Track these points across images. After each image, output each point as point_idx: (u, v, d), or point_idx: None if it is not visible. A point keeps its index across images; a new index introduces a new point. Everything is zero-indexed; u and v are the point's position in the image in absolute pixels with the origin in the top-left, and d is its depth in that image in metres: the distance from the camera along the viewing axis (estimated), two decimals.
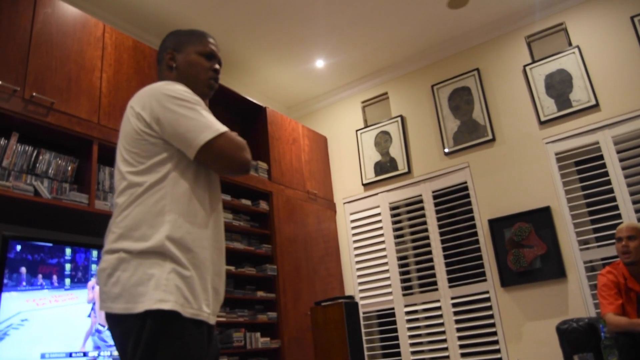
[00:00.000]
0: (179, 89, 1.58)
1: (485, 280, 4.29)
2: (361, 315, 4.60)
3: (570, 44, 4.36)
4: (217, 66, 1.79)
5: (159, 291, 1.41)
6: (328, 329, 4.02)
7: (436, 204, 4.65)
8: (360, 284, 4.87)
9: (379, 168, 5.00)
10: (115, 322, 1.46)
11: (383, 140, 5.03)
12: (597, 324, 2.91)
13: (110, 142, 3.13)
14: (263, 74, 4.95)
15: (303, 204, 4.67)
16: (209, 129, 1.52)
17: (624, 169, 3.91)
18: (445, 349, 4.32)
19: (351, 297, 4.30)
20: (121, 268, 1.45)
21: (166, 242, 1.46)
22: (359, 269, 4.91)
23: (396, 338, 4.57)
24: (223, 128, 1.54)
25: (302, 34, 4.44)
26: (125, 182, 1.56)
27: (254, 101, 4.55)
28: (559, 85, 4.28)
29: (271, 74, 4.97)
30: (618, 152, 3.96)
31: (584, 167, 4.12)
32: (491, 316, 4.21)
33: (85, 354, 2.81)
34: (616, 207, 3.88)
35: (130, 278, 1.43)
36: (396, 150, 4.94)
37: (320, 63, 4.90)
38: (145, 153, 1.56)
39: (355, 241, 4.99)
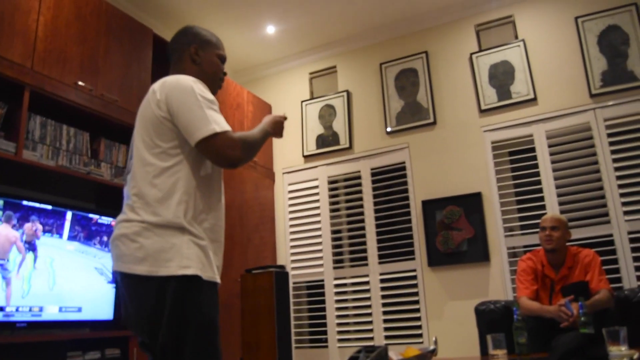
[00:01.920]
0: (202, 89, 1.79)
1: (413, 259, 4.41)
2: (291, 285, 4.65)
3: (516, 37, 4.47)
4: (224, 69, 2.05)
5: (182, 258, 1.64)
6: (257, 297, 4.04)
7: (374, 181, 4.71)
8: (293, 254, 4.90)
9: (321, 141, 5.01)
10: (135, 282, 1.66)
11: (327, 114, 5.04)
12: (512, 306, 3.06)
13: (44, 90, 2.98)
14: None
15: (242, 171, 4.63)
16: (209, 126, 1.71)
17: (553, 162, 4.09)
18: (370, 322, 4.44)
19: (282, 267, 4.33)
20: (144, 235, 1.67)
21: (182, 218, 1.68)
22: (292, 240, 4.94)
23: (323, 309, 4.65)
24: (222, 128, 1.72)
25: None
26: (142, 160, 1.76)
27: None
28: (501, 76, 4.40)
29: (220, 35, 4.83)
30: (549, 146, 4.13)
31: (517, 158, 4.27)
32: (416, 294, 4.35)
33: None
34: (542, 199, 4.06)
35: (153, 244, 1.65)
36: (339, 125, 4.95)
37: (271, 29, 4.81)
38: (164, 137, 1.75)
39: (291, 212, 5.01)
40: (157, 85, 1.82)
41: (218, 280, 1.76)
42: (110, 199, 3.53)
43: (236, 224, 4.42)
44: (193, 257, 1.66)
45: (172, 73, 1.94)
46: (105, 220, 3.43)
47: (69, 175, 3.13)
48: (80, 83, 3.21)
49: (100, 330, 3.23)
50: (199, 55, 1.96)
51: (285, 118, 2.06)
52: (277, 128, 2.02)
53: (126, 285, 1.70)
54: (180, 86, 1.77)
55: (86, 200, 3.60)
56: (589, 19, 4.21)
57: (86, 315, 3.17)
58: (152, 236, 1.66)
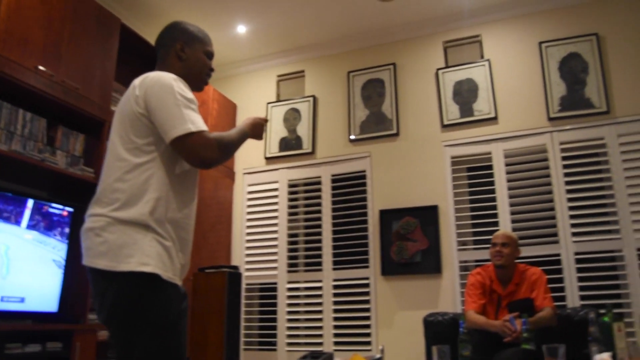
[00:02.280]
0: (183, 87, 1.78)
1: (367, 267, 4.45)
2: (244, 286, 4.62)
3: (482, 56, 4.57)
4: (212, 65, 2.04)
5: (143, 255, 1.64)
6: (208, 297, 4.01)
7: (334, 188, 4.74)
8: (248, 255, 4.88)
9: (284, 144, 5.01)
10: (98, 276, 1.67)
11: (292, 118, 5.04)
12: (459, 319, 3.12)
13: (2, 72, 2.89)
14: None
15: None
16: (185, 125, 1.70)
17: (508, 181, 4.19)
18: (320, 327, 4.45)
19: (236, 268, 4.31)
20: (108, 230, 1.66)
21: (148, 216, 1.68)
22: (248, 241, 4.91)
23: (274, 312, 4.64)
24: (197, 128, 1.72)
25: None
26: (116, 155, 1.76)
27: None
28: (465, 94, 4.49)
29: None
30: (506, 164, 4.23)
31: (474, 174, 4.36)
32: (367, 301, 4.38)
33: None
34: (496, 215, 4.15)
35: (116, 240, 1.65)
36: (303, 130, 4.96)
37: (242, 29, 4.80)
38: (139, 133, 1.75)
39: (249, 213, 4.98)
40: (137, 81, 1.82)
41: (178, 282, 1.74)
42: (64, 189, 3.45)
43: None
44: (154, 255, 1.66)
45: (158, 69, 1.93)
46: (63, 210, 3.34)
47: (21, 160, 3.04)
48: (41, 68, 3.13)
49: (44, 322, 3.14)
50: (185, 52, 1.96)
51: (266, 121, 2.05)
52: (256, 130, 2.01)
53: (90, 279, 1.71)
54: (160, 83, 1.77)
55: (39, 188, 3.50)
56: (552, 45, 4.34)
57: (29, 306, 3.08)
58: (117, 231, 1.66)
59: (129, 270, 1.62)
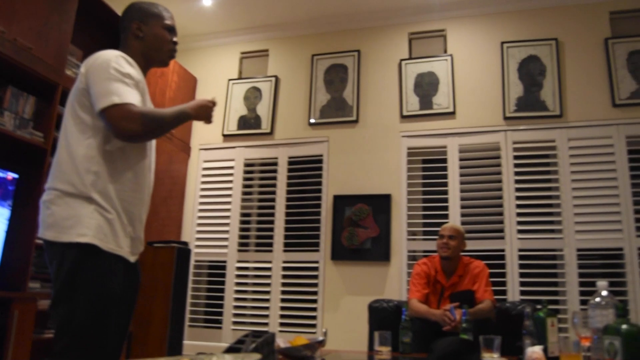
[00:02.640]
0: (123, 63, 1.82)
1: (318, 251, 4.48)
2: (192, 262, 4.59)
3: (445, 51, 4.63)
4: (175, 39, 2.08)
5: (82, 226, 1.69)
6: (155, 271, 3.96)
7: (290, 170, 4.74)
8: (199, 232, 4.84)
9: (243, 122, 4.96)
10: (47, 247, 1.75)
11: (253, 96, 4.99)
12: (402, 306, 3.18)
13: None
14: None
15: (157, 142, 4.49)
16: (109, 97, 1.73)
17: (461, 175, 4.28)
18: (267, 308, 4.47)
19: (185, 244, 4.27)
20: (56, 203, 1.74)
21: (90, 189, 1.74)
22: (200, 217, 4.87)
23: (222, 290, 4.62)
24: (121, 100, 1.73)
25: None
26: (65, 129, 1.82)
27: None
28: (426, 86, 4.54)
29: None
30: (460, 159, 4.31)
31: (429, 166, 4.43)
32: (315, 284, 4.42)
33: None
34: (446, 208, 4.24)
35: (61, 212, 1.72)
36: (263, 109, 4.93)
37: (207, 1, 4.69)
38: (84, 108, 1.81)
39: (202, 189, 4.93)
40: (86, 60, 1.89)
41: (122, 253, 1.80)
42: (11, 152, 3.32)
43: None
44: (93, 227, 1.71)
45: (120, 50, 1.97)
46: (7, 174, 3.22)
47: None
48: None
49: None
50: (142, 31, 2.00)
51: (214, 103, 2.02)
52: (202, 112, 1.99)
53: (43, 249, 1.79)
54: (100, 59, 1.82)
55: None
56: (513, 45, 4.43)
57: None
58: (62, 204, 1.73)
59: (69, 241, 1.69)
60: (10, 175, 3.24)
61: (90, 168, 1.76)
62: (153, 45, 2.01)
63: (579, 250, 3.94)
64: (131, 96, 1.77)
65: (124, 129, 1.74)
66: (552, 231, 4.06)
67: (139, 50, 2.00)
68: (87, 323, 1.67)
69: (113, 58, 1.81)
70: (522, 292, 3.94)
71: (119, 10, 4.31)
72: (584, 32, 4.33)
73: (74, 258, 1.69)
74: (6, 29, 3.07)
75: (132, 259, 1.90)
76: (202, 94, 5.18)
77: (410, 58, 4.67)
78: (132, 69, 1.85)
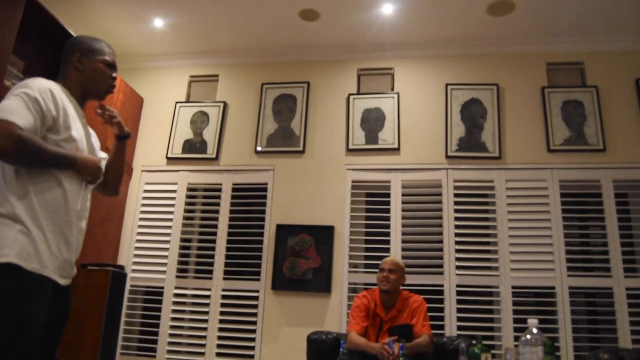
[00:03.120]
0: (32, 85, 1.86)
1: (258, 279, 4.43)
2: (128, 287, 4.43)
3: (393, 88, 4.76)
4: (115, 74, 2.16)
5: (4, 247, 1.70)
6: (88, 295, 3.80)
7: (233, 197, 4.69)
8: (136, 256, 4.68)
9: (188, 146, 4.89)
10: None
11: (200, 121, 4.95)
12: (341, 339, 3.17)
13: None
14: (95, 11, 4.53)
15: None
16: (3, 113, 1.75)
17: (403, 210, 4.36)
18: (204, 337, 4.36)
19: (121, 267, 4.13)
20: None
21: (15, 208, 1.76)
22: (138, 241, 4.72)
23: (158, 317, 4.47)
24: (7, 118, 1.74)
25: None
26: None
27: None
28: (373, 122, 4.64)
29: (104, 14, 4.58)
30: (403, 194, 4.40)
31: (372, 200, 4.50)
32: (255, 314, 4.35)
33: None
34: (388, 242, 4.29)
35: None
36: (210, 134, 4.89)
37: (159, 22, 4.65)
38: None
39: (143, 212, 4.80)
40: None
41: (47, 273, 1.79)
42: None
43: None
44: (16, 247, 1.72)
45: (59, 79, 2.06)
46: None
47: None
48: None
49: None
50: (82, 63, 2.07)
51: (100, 168, 2.04)
52: (89, 168, 1.98)
53: None
54: (23, 82, 1.89)
55: None
56: (457, 88, 4.61)
57: None
58: None
59: None
60: None
61: (14, 189, 1.79)
62: (92, 78, 2.09)
63: (514, 287, 4.06)
64: (21, 118, 1.77)
65: None
66: (489, 268, 4.18)
67: (77, 81, 2.07)
68: (2, 343, 1.64)
69: (30, 83, 1.86)
70: (459, 327, 4.01)
71: (65, 22, 4.22)
72: (523, 79, 4.56)
73: None
74: None
75: (62, 281, 1.90)
76: (147, 115, 5.10)
77: (358, 93, 4.77)
78: (44, 97, 1.85)
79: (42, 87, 1.88)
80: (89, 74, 2.08)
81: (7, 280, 1.70)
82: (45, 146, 1.84)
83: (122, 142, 2.29)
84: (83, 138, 2.04)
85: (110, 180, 2.27)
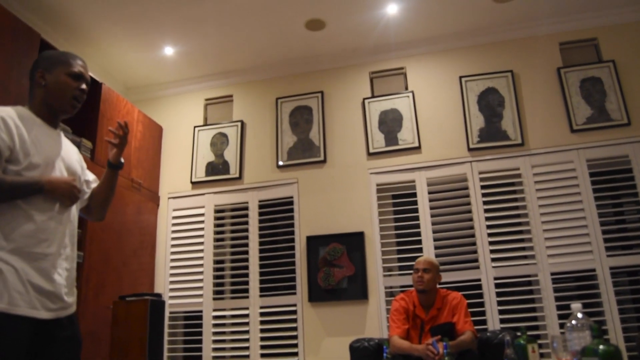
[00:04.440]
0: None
1: (295, 293, 4.43)
2: (167, 314, 4.47)
3: (406, 88, 4.74)
4: (83, 86, 2.04)
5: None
6: (129, 326, 3.83)
7: (261, 214, 4.71)
8: (172, 282, 4.73)
9: (211, 169, 4.94)
10: None
11: (220, 142, 5.00)
12: (384, 344, 3.15)
13: None
14: (106, 47, 4.63)
15: (124, 192, 4.43)
16: None
17: (431, 208, 4.32)
18: (247, 356, 4.37)
19: (159, 295, 4.16)
20: None
21: None
22: (172, 267, 4.77)
23: (200, 341, 4.50)
24: None
25: (154, 15, 4.25)
26: None
27: (91, 75, 4.23)
28: (390, 123, 4.62)
29: (115, 49, 4.67)
30: (429, 192, 4.37)
31: (399, 201, 4.47)
32: (295, 329, 4.35)
33: None
34: (420, 242, 4.26)
35: None
36: (231, 154, 4.93)
37: (169, 50, 4.73)
38: None
39: (174, 238, 4.85)
40: None
41: (18, 311, 1.72)
42: None
43: (113, 247, 4.20)
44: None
45: (28, 100, 2.01)
46: None
47: None
48: None
49: None
50: (45, 79, 1.98)
51: (74, 186, 1.96)
52: (56, 189, 1.90)
53: None
54: None
55: None
56: (471, 79, 4.57)
57: None
58: None
59: None
60: None
61: None
62: (54, 93, 1.99)
63: (553, 274, 3.99)
64: None
65: None
66: (525, 257, 4.12)
67: (41, 98, 1.99)
68: None
69: None
70: (502, 320, 3.95)
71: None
72: (537, 62, 4.50)
73: None
74: None
75: (47, 315, 1.82)
76: (167, 143, 5.16)
77: (372, 96, 4.77)
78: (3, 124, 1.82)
79: (4, 117, 1.83)
80: (51, 88, 1.98)
81: None
82: (3, 178, 1.78)
83: (115, 172, 2.24)
84: (53, 160, 1.96)
85: (94, 206, 2.22)
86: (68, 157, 2.06)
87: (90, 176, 2.25)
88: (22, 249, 1.78)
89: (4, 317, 1.67)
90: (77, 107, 2.06)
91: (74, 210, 2.05)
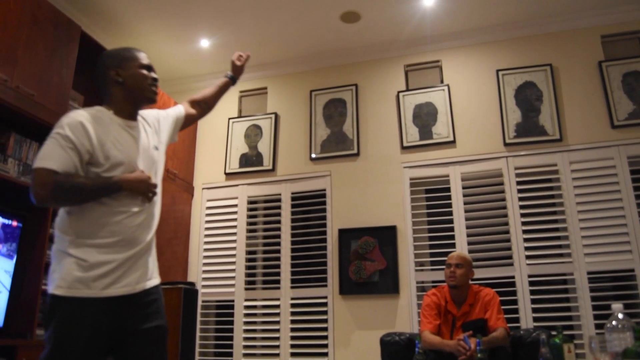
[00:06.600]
0: (64, 122, 1.87)
1: (325, 286, 4.44)
2: (200, 303, 4.54)
3: (442, 81, 4.69)
4: (155, 75, 2.13)
5: (59, 279, 1.80)
6: None
7: (293, 206, 4.73)
8: (205, 272, 4.80)
9: (245, 160, 4.98)
10: None
11: (254, 134, 5.03)
12: (415, 339, 3.14)
13: None
14: (144, 40, 4.71)
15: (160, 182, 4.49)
16: (40, 161, 1.82)
17: (465, 203, 4.27)
18: (277, 346, 4.41)
19: (192, 284, 4.23)
20: (54, 258, 1.88)
21: (67, 243, 1.84)
22: (205, 257, 4.84)
23: (231, 330, 4.57)
24: (40, 165, 1.81)
25: (191, 7, 4.29)
26: None
27: None
28: (425, 117, 4.58)
29: (153, 42, 4.74)
30: (463, 187, 4.32)
31: (432, 196, 4.44)
32: (325, 320, 4.37)
33: None
34: (453, 237, 4.22)
35: (53, 266, 1.86)
36: (264, 146, 4.96)
37: (205, 43, 4.77)
38: None
39: (207, 228, 4.92)
40: None
41: (93, 294, 1.82)
42: (15, 199, 3.32)
43: None
44: (67, 277, 1.79)
45: (103, 103, 2.06)
46: (12, 221, 3.21)
47: None
48: None
49: None
50: (121, 75, 2.04)
51: (150, 181, 1.98)
52: (136, 186, 1.94)
53: None
54: (57, 123, 1.90)
55: None
56: (509, 73, 4.48)
57: None
58: (54, 258, 1.87)
59: (51, 293, 1.83)
60: (15, 222, 3.24)
61: (64, 226, 1.88)
62: (134, 86, 2.05)
63: (589, 273, 3.91)
64: (55, 161, 1.81)
65: (34, 193, 1.82)
66: (560, 255, 4.04)
67: (122, 95, 2.04)
68: None
69: (64, 120, 1.88)
70: (535, 319, 3.89)
71: None
72: (578, 56, 4.39)
73: (49, 308, 1.81)
74: (8, 77, 3.11)
75: (121, 290, 1.88)
76: (202, 134, 5.22)
77: (407, 90, 4.72)
78: (75, 132, 1.85)
79: (72, 122, 1.87)
80: (130, 83, 2.04)
81: (56, 308, 1.80)
82: (84, 182, 1.85)
83: (229, 83, 2.67)
84: (134, 159, 2.00)
85: (202, 107, 2.59)
86: (146, 150, 2.09)
87: (173, 110, 2.40)
88: (101, 247, 1.86)
89: (81, 301, 1.80)
90: (157, 93, 2.15)
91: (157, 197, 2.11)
